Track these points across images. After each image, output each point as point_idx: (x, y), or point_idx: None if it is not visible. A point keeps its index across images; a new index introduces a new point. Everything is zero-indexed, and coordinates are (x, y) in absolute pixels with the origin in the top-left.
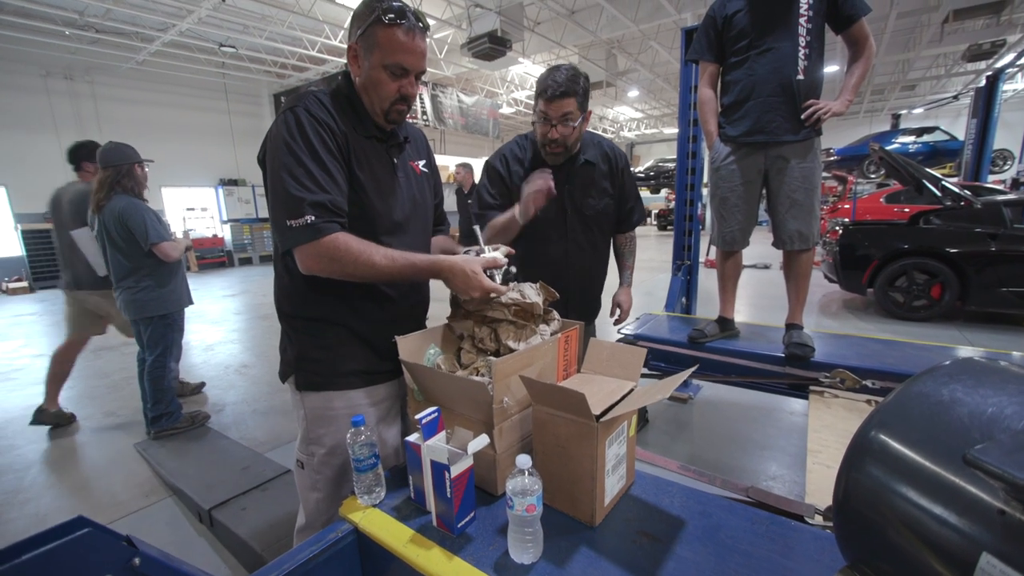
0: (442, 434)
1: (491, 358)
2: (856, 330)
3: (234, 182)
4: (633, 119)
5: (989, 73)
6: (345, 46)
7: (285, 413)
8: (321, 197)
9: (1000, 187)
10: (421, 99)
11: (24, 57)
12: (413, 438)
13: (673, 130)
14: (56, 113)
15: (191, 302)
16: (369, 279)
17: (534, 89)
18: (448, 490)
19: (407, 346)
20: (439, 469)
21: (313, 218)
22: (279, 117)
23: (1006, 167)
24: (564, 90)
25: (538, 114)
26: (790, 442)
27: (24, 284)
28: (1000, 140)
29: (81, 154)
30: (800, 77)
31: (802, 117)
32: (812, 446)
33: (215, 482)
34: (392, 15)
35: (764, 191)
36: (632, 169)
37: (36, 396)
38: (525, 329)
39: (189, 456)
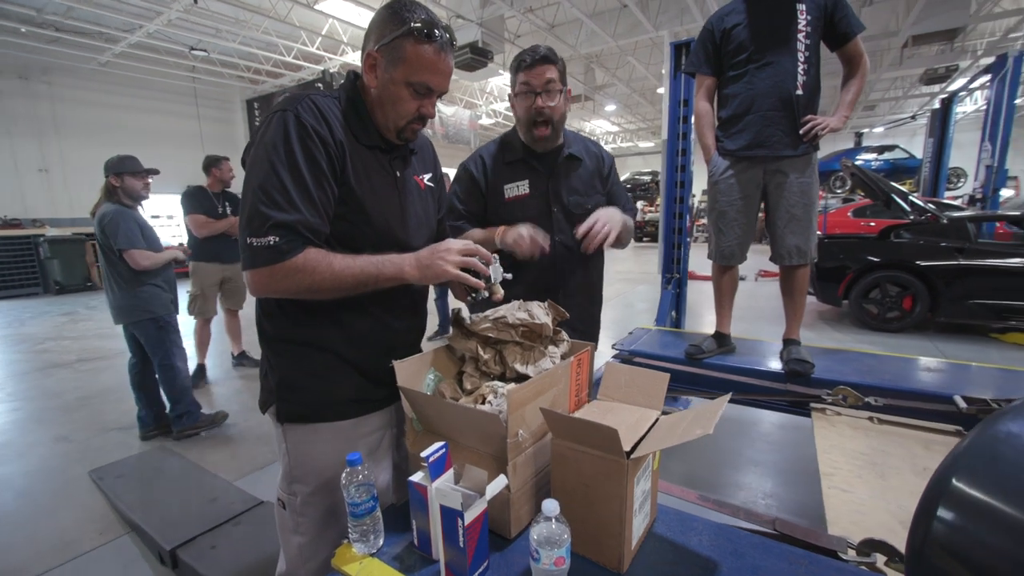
0: (449, 473)
1: (497, 383)
2: (833, 341)
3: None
4: (610, 132)
5: (944, 96)
6: (322, 53)
7: (259, 437)
8: (291, 217)
9: (957, 203)
10: None
11: None
12: (418, 478)
13: (648, 144)
14: (9, 115)
15: (177, 311)
16: (330, 292)
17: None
18: (461, 538)
19: (405, 371)
20: (451, 515)
21: (277, 239)
22: (266, 119)
23: (960, 184)
24: (543, 55)
25: (519, 87)
26: (782, 457)
27: None
28: (954, 159)
29: (209, 162)
30: (799, 92)
31: (800, 132)
32: (824, 468)
33: (179, 517)
34: (425, 30)
35: (762, 205)
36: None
37: None
38: (533, 351)
39: (151, 486)
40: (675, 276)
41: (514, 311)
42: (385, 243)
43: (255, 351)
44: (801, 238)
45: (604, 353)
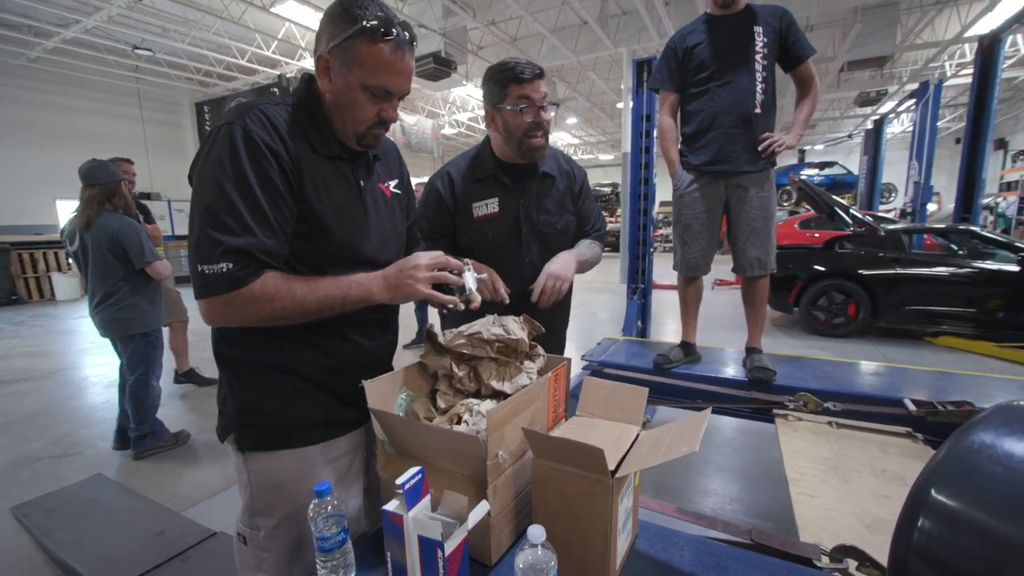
0: (426, 500)
1: (472, 400)
2: (788, 347)
3: (147, 196)
4: (571, 144)
5: (876, 117)
6: (278, 57)
7: (212, 459)
8: (244, 241)
9: (891, 216)
10: None
11: None
12: (393, 507)
13: (608, 156)
14: None
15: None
16: (293, 319)
17: (487, 90)
18: (441, 570)
19: (376, 391)
20: (430, 546)
21: (231, 265)
22: (212, 133)
23: (892, 198)
24: (540, 70)
25: (517, 102)
26: (745, 461)
27: None
28: (886, 175)
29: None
30: (758, 111)
31: (759, 149)
32: (791, 474)
33: (120, 553)
34: (380, 28)
35: (724, 218)
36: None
37: None
38: (509, 367)
39: (85, 520)
40: (640, 287)
41: (489, 326)
42: (350, 259)
43: (205, 368)
44: (762, 250)
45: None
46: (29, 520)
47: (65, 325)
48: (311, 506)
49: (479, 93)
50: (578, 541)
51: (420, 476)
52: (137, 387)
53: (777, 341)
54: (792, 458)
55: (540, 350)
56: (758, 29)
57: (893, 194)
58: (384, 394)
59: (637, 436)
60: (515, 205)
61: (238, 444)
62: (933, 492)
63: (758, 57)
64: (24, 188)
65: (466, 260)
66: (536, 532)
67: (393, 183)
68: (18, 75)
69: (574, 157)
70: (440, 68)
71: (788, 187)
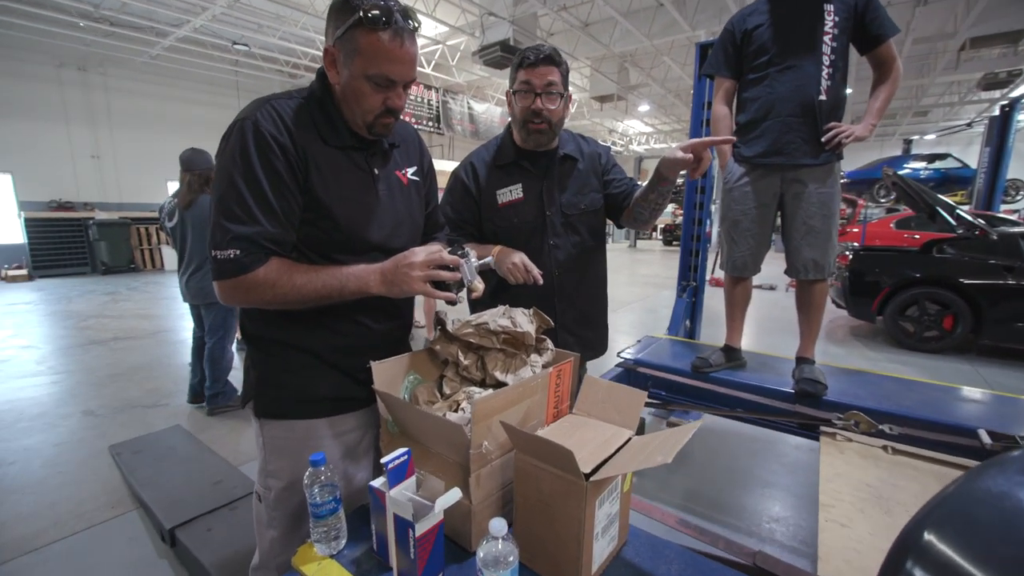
0: (411, 480)
1: (474, 389)
2: (864, 359)
3: None
4: (643, 133)
5: (1004, 102)
6: None
7: None
8: (250, 229)
9: (1014, 217)
10: (431, 104)
11: (39, 47)
12: (378, 483)
13: None
14: (67, 103)
15: None
16: (294, 304)
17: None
18: (412, 549)
19: (383, 373)
20: (403, 525)
21: (238, 252)
22: (229, 129)
23: (1019, 197)
24: (548, 55)
25: (518, 86)
26: (795, 480)
27: (24, 272)
28: (1013, 170)
29: None
30: (822, 98)
31: (823, 140)
32: (824, 499)
33: (183, 497)
34: (375, 17)
35: (779, 216)
36: (640, 183)
37: (17, 390)
38: (515, 359)
39: (162, 464)
40: (691, 284)
41: (497, 317)
42: (358, 246)
43: None
44: (818, 251)
45: (606, 362)
46: (120, 459)
47: (169, 292)
48: (306, 474)
49: None
50: (553, 539)
51: (406, 457)
52: (215, 350)
53: (853, 352)
54: (830, 481)
55: (549, 344)
56: (829, 7)
57: (1021, 192)
58: (391, 376)
59: (628, 440)
60: (538, 189)
61: (256, 411)
62: (926, 534)
63: (826, 39)
64: (142, 170)
65: (466, 250)
66: (497, 525)
67: (411, 170)
68: (141, 71)
69: (646, 146)
70: (506, 56)
71: (883, 182)
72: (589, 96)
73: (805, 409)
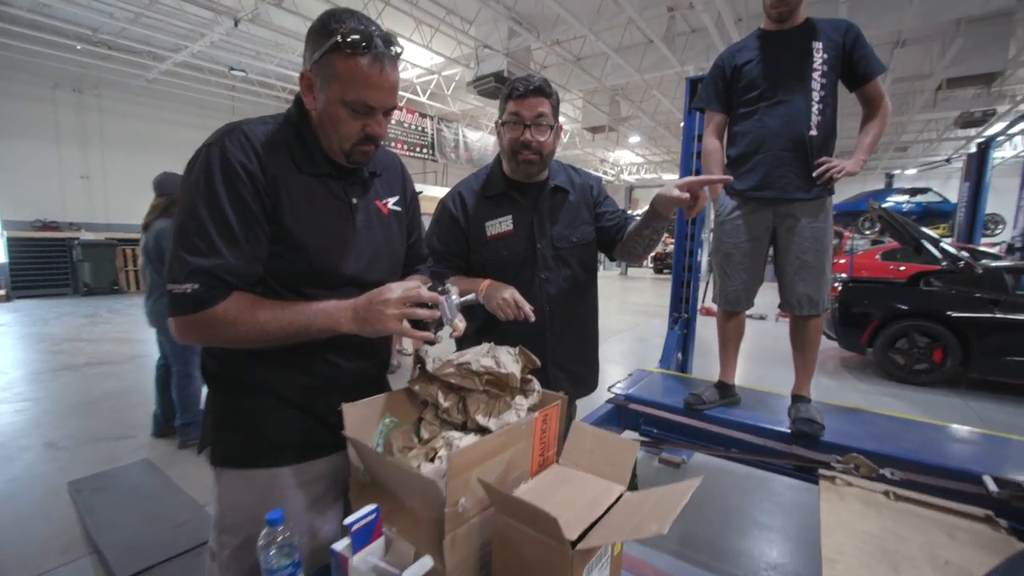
0: (379, 543)
1: (454, 434)
2: (856, 392)
3: None
4: (633, 163)
5: (980, 140)
6: None
7: None
8: (210, 262)
9: (994, 251)
10: (425, 132)
11: (35, 69)
12: (341, 546)
13: (672, 176)
14: (60, 123)
15: None
16: (257, 343)
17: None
18: None
19: (355, 415)
20: None
21: (196, 286)
22: (194, 155)
23: (998, 231)
24: (537, 86)
25: (508, 117)
26: (791, 522)
27: (1, 292)
28: (991, 205)
29: None
30: (813, 133)
31: (814, 175)
32: (827, 552)
33: (141, 541)
34: (354, 41)
35: (771, 250)
36: (630, 212)
37: None
38: (499, 401)
39: (124, 503)
40: (682, 315)
41: (480, 357)
42: (331, 280)
43: None
44: (812, 287)
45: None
46: (79, 497)
47: None
48: (262, 534)
49: None
50: None
51: (374, 516)
52: (181, 378)
53: (844, 384)
54: (833, 532)
55: (535, 385)
56: (817, 45)
57: (1000, 226)
58: (364, 418)
59: (620, 497)
60: (529, 221)
61: (211, 458)
62: None
63: (816, 75)
64: (133, 191)
65: (446, 286)
66: None
67: (392, 200)
68: (137, 94)
69: (637, 176)
70: (500, 87)
71: (868, 215)
72: (581, 127)
73: (802, 451)
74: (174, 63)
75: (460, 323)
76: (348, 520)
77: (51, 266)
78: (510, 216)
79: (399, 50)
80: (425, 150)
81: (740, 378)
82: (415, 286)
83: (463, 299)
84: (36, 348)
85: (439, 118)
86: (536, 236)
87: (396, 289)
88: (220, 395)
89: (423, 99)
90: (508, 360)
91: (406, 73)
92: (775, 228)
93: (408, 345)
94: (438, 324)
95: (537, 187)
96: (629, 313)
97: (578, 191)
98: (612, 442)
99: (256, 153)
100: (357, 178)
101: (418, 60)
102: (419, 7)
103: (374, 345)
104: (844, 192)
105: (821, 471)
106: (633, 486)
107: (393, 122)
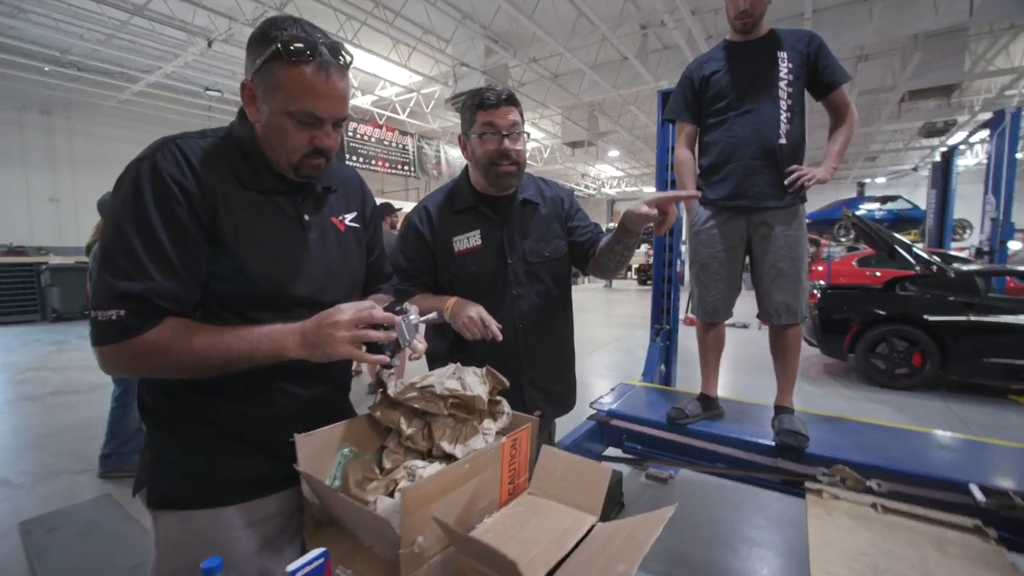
0: None
1: (417, 463)
2: (840, 398)
3: None
4: (614, 177)
5: (944, 149)
6: None
7: None
8: (139, 286)
9: (964, 255)
10: (406, 149)
11: (1, 91)
12: None
13: (652, 188)
14: (27, 147)
15: None
16: (193, 373)
17: (461, 117)
18: None
19: (310, 447)
20: None
21: (122, 313)
22: (123, 172)
23: (967, 235)
24: (509, 96)
25: (481, 128)
26: (781, 536)
27: None
28: (958, 210)
29: (385, 209)
30: (782, 141)
31: (785, 183)
32: (817, 573)
33: None
34: (297, 49)
35: (747, 259)
36: (612, 225)
37: None
38: (466, 426)
39: (79, 544)
40: (664, 327)
41: (444, 379)
42: (280, 302)
43: None
44: (790, 295)
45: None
46: (30, 538)
47: None
48: None
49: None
50: None
51: (321, 561)
52: (118, 406)
53: (829, 391)
54: (821, 550)
55: (505, 407)
56: (782, 55)
57: (968, 231)
58: (321, 449)
59: (591, 529)
60: (498, 236)
61: (148, 500)
62: None
63: (782, 84)
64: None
65: (404, 306)
66: None
67: (350, 216)
68: (109, 115)
69: (618, 189)
70: None
71: (843, 222)
72: (561, 142)
73: (788, 464)
74: (147, 84)
75: (420, 344)
76: (291, 567)
77: (17, 293)
78: (478, 231)
79: (347, 59)
80: (406, 167)
81: (725, 389)
82: (368, 306)
83: (424, 319)
84: None
85: (419, 135)
86: (507, 251)
87: (347, 310)
88: (156, 431)
89: (403, 116)
90: (474, 382)
91: (384, 91)
92: (750, 237)
93: (365, 367)
94: (395, 346)
95: (506, 200)
96: (614, 325)
97: (549, 204)
98: (584, 467)
99: (192, 168)
100: (309, 193)
101: (397, 79)
102: (395, 27)
103: (330, 369)
104: (819, 201)
105: (807, 484)
106: (619, 503)
107: (374, 140)
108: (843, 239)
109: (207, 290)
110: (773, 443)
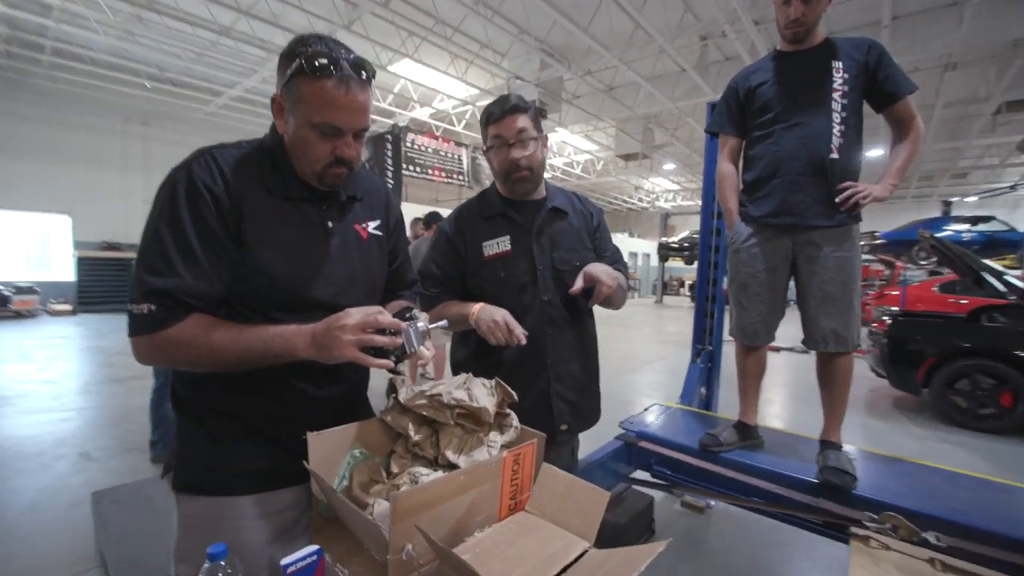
0: None
1: (421, 470)
2: (910, 437)
3: None
4: (669, 191)
5: None
6: (393, 108)
7: None
8: (168, 282)
9: None
10: (461, 160)
11: (109, 104)
12: None
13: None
14: (128, 154)
15: None
16: (213, 367)
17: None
18: None
19: (321, 446)
20: None
21: (153, 307)
22: (164, 179)
23: None
24: (513, 105)
25: (491, 142)
26: None
27: (68, 307)
28: None
29: (433, 217)
30: (834, 156)
31: (837, 200)
32: None
33: (143, 557)
34: (320, 65)
35: (793, 282)
36: (665, 239)
37: (24, 426)
38: (473, 437)
39: (136, 517)
40: (706, 348)
41: (453, 389)
42: (299, 304)
43: None
44: (838, 321)
45: (609, 431)
46: (98, 508)
47: None
48: (202, 570)
49: (574, 139)
50: None
51: (315, 558)
52: (156, 394)
53: (896, 427)
54: None
55: (513, 420)
56: (837, 64)
57: None
58: (332, 449)
59: (583, 554)
60: (528, 241)
61: (173, 483)
62: None
63: (836, 95)
64: None
65: (413, 313)
66: None
67: (373, 224)
68: (197, 126)
69: (674, 203)
70: None
71: (921, 244)
72: (614, 154)
73: (830, 505)
74: (229, 97)
75: (426, 351)
76: (285, 561)
77: (115, 283)
78: (508, 236)
79: (370, 74)
80: (460, 177)
81: (776, 419)
82: (376, 311)
83: (433, 325)
84: (91, 360)
85: (474, 147)
86: (536, 257)
87: (355, 314)
88: (185, 420)
89: (459, 128)
90: (482, 394)
91: (442, 104)
92: (795, 257)
93: (406, 369)
94: (401, 352)
95: (534, 206)
96: (662, 343)
97: (579, 216)
98: (583, 490)
99: (223, 176)
100: (334, 201)
101: (454, 92)
102: (454, 42)
103: (343, 370)
104: (895, 220)
105: (853, 530)
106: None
107: (430, 150)
108: (923, 262)
109: (231, 290)
110: (815, 480)
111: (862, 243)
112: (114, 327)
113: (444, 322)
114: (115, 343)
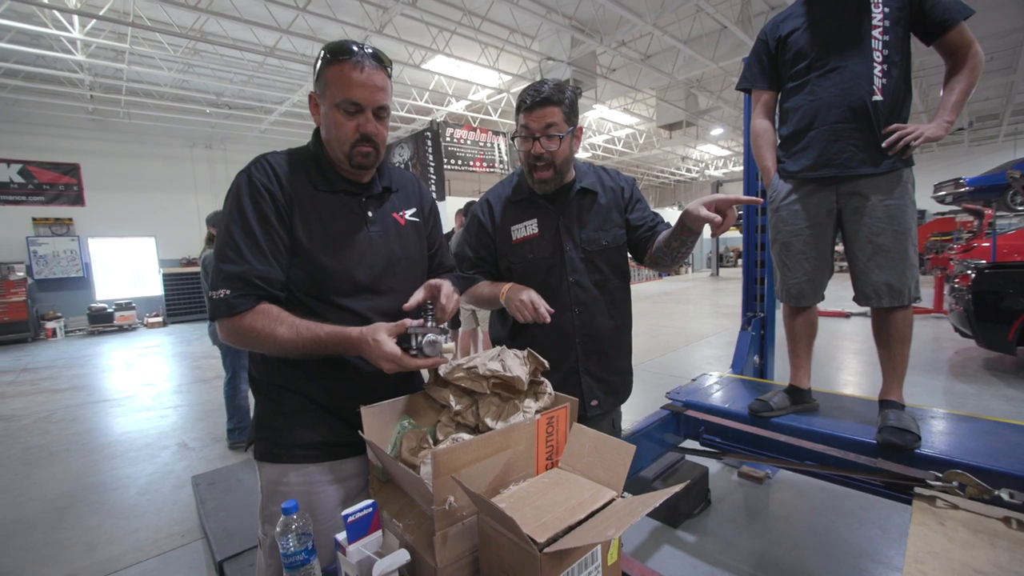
0: (375, 536)
1: (463, 435)
2: (1002, 399)
3: None
4: (719, 157)
5: None
6: (430, 105)
7: None
8: (238, 268)
9: None
10: (499, 148)
11: (178, 132)
12: (341, 536)
13: None
14: (196, 176)
15: None
16: (281, 354)
17: (593, 126)
18: None
19: (375, 417)
20: None
21: (228, 292)
22: (232, 182)
23: None
24: (546, 97)
25: (519, 131)
26: (898, 552)
27: (159, 319)
28: None
29: (471, 207)
30: (878, 98)
31: (884, 145)
32: None
33: (238, 528)
34: (337, 49)
35: (839, 236)
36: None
37: (133, 423)
38: (509, 404)
39: (228, 496)
40: (757, 315)
41: (487, 361)
42: (346, 286)
43: None
44: (892, 273)
45: (641, 406)
46: (197, 489)
47: None
48: (279, 522)
49: (612, 115)
50: None
51: (370, 510)
52: (228, 387)
53: (986, 390)
54: (920, 562)
55: (547, 387)
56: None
57: None
58: (383, 421)
59: (610, 502)
60: (555, 224)
61: (255, 453)
62: None
63: (876, 32)
64: None
65: (425, 324)
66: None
67: (410, 212)
68: (253, 144)
69: (724, 169)
70: None
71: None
72: (656, 126)
73: (890, 466)
74: (280, 114)
75: (448, 344)
76: (345, 512)
77: (196, 295)
78: (535, 220)
79: (385, 59)
80: (501, 165)
81: (848, 385)
82: (403, 323)
83: (434, 339)
84: (180, 364)
85: (511, 134)
86: (563, 239)
87: (386, 343)
88: (261, 398)
89: (495, 117)
90: (515, 364)
91: (476, 95)
92: (840, 210)
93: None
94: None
95: (562, 189)
96: (719, 316)
97: (608, 193)
98: (609, 445)
99: (277, 176)
100: (371, 193)
101: (487, 81)
102: (482, 31)
103: None
104: (984, 164)
105: (917, 490)
106: (706, 500)
107: (469, 142)
108: (1020, 208)
109: (289, 276)
110: (874, 441)
111: (944, 193)
112: (199, 334)
113: (443, 337)
114: (200, 348)
